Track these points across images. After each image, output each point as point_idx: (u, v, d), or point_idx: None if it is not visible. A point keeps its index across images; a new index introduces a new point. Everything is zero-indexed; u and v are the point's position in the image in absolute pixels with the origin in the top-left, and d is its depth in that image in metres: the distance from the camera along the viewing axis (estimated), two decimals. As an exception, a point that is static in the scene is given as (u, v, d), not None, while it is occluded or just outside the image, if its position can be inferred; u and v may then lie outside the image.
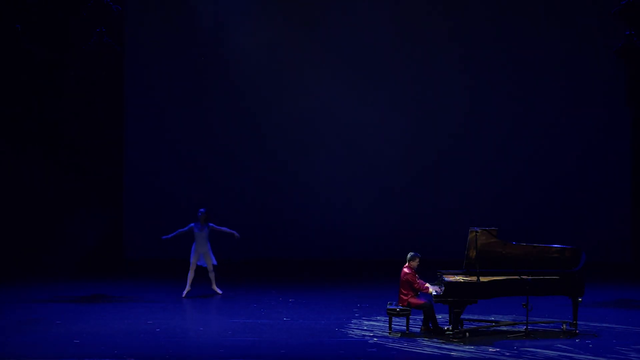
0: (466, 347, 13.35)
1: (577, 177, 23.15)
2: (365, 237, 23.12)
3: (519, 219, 22.65)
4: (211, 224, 17.88)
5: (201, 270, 18.04)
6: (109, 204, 23.13)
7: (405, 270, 14.32)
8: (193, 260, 17.83)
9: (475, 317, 15.02)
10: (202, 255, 17.89)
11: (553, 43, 23.09)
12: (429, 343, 13.66)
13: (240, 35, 23.14)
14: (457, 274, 14.41)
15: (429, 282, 14.33)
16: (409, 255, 14.43)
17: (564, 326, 14.34)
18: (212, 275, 18.07)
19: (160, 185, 23.27)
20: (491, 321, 14.93)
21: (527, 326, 14.08)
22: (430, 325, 14.31)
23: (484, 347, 13.39)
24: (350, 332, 14.47)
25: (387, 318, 14.48)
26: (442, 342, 13.67)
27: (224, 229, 17.95)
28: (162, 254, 22.99)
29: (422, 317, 14.47)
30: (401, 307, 14.26)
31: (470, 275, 14.24)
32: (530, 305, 13.89)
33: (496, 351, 13.13)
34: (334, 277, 20.74)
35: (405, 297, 14.25)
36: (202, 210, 17.91)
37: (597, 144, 23.13)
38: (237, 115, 23.37)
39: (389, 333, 14.27)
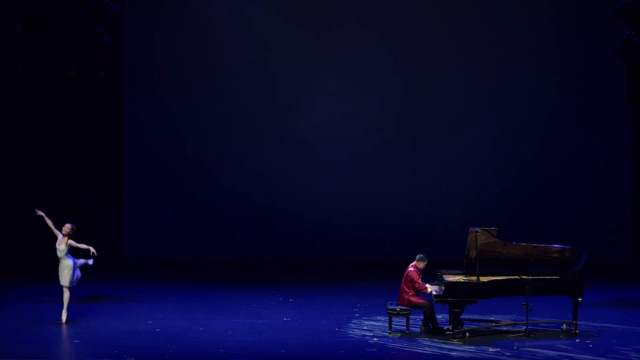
0: (466, 347, 13.35)
1: (577, 177, 23.14)
2: (366, 237, 23.10)
3: (519, 219, 22.66)
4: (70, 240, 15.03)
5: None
6: (109, 204, 23.11)
7: (411, 268, 14.32)
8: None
9: (475, 317, 15.01)
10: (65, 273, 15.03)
11: (553, 43, 23.07)
12: (429, 343, 13.66)
13: (239, 34, 23.15)
14: (457, 274, 14.41)
15: (428, 282, 14.33)
16: (418, 256, 14.42)
17: (564, 326, 14.35)
18: (66, 297, 15.10)
19: (161, 185, 23.26)
20: (491, 321, 14.92)
21: (527, 326, 14.08)
22: (430, 325, 14.31)
23: (484, 347, 13.39)
24: (350, 332, 14.47)
25: (387, 318, 14.47)
26: (442, 342, 13.67)
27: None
28: (162, 254, 23.03)
29: (422, 317, 14.47)
30: (401, 307, 14.26)
31: (470, 275, 14.23)
32: (530, 305, 13.89)
33: (496, 351, 13.13)
34: (334, 277, 20.73)
35: (406, 296, 14.24)
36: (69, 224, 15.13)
37: (597, 144, 23.12)
38: (237, 114, 23.35)
39: (389, 333, 14.26)
